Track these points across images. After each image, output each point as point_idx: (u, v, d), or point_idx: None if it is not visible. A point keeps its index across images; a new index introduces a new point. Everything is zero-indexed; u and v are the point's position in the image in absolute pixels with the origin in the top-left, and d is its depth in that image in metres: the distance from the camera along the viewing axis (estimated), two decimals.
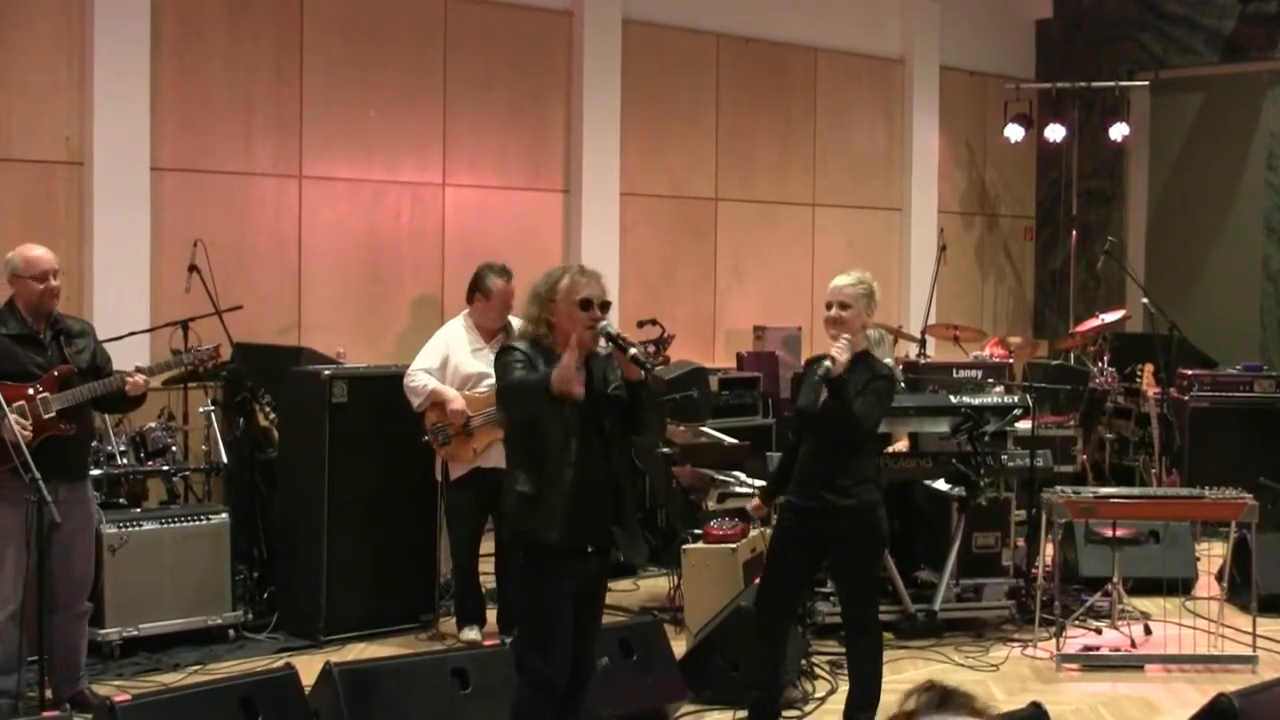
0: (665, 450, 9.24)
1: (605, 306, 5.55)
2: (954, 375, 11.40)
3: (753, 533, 8.28)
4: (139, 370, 7.11)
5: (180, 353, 7.97)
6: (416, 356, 8.36)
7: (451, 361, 8.19)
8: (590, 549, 5.63)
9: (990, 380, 10.79)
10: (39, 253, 6.89)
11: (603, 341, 5.55)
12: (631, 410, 5.65)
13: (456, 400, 8.04)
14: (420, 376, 8.19)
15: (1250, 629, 8.21)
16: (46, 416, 6.69)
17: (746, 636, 7.18)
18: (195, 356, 7.73)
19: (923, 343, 12.97)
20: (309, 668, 6.57)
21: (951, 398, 8.86)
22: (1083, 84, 14.66)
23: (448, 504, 8.41)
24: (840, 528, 6.45)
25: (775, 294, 13.56)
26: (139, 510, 8.30)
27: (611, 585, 9.79)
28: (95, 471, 8.19)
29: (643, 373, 5.50)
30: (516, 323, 7.70)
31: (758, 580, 7.87)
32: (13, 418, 6.49)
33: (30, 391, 6.70)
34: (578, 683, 5.73)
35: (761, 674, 6.73)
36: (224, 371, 9.14)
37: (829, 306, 6.51)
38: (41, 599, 6.52)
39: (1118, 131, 14.56)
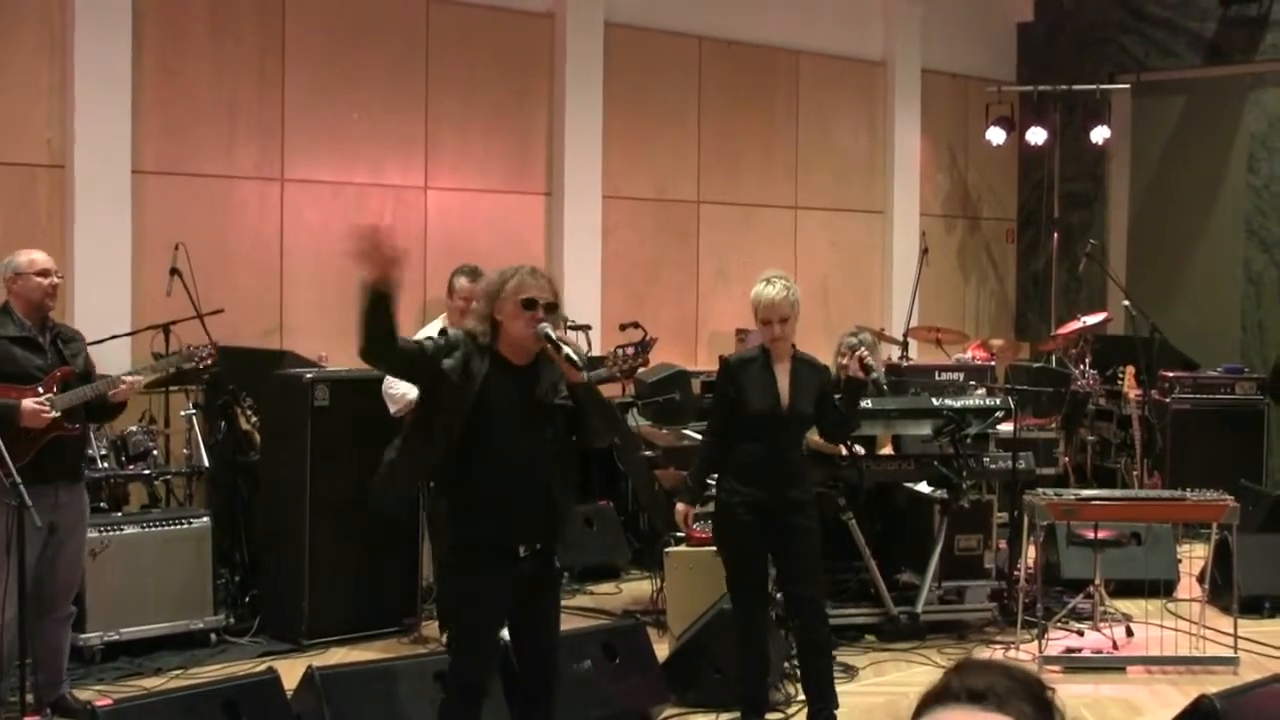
0: (648, 453, 9.24)
1: (551, 308, 5.50)
2: (936, 378, 11.41)
3: None
4: (130, 374, 7.17)
5: (174, 354, 7.96)
6: None
7: None
8: (522, 551, 5.51)
9: (972, 383, 10.79)
10: (39, 253, 7.10)
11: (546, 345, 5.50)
12: (577, 417, 5.61)
13: None
14: (399, 385, 8.17)
15: (1232, 630, 8.24)
16: (55, 415, 6.74)
17: (729, 639, 7.19)
18: (189, 355, 7.72)
19: (905, 345, 12.99)
20: (291, 671, 6.57)
21: (934, 400, 8.87)
22: (1064, 86, 14.67)
23: (430, 509, 8.41)
24: (800, 520, 6.68)
25: None
26: (120, 514, 8.29)
27: (594, 588, 9.90)
28: None
29: (582, 375, 5.49)
30: None
31: None
32: (28, 400, 6.59)
33: (36, 392, 6.75)
34: (541, 686, 5.68)
35: (754, 669, 6.83)
36: (206, 374, 9.13)
37: (767, 324, 6.62)
38: (23, 603, 6.50)
39: (1099, 134, 14.57)
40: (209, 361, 7.80)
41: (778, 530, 6.64)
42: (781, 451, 6.69)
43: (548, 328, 5.45)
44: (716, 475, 6.90)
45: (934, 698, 2.20)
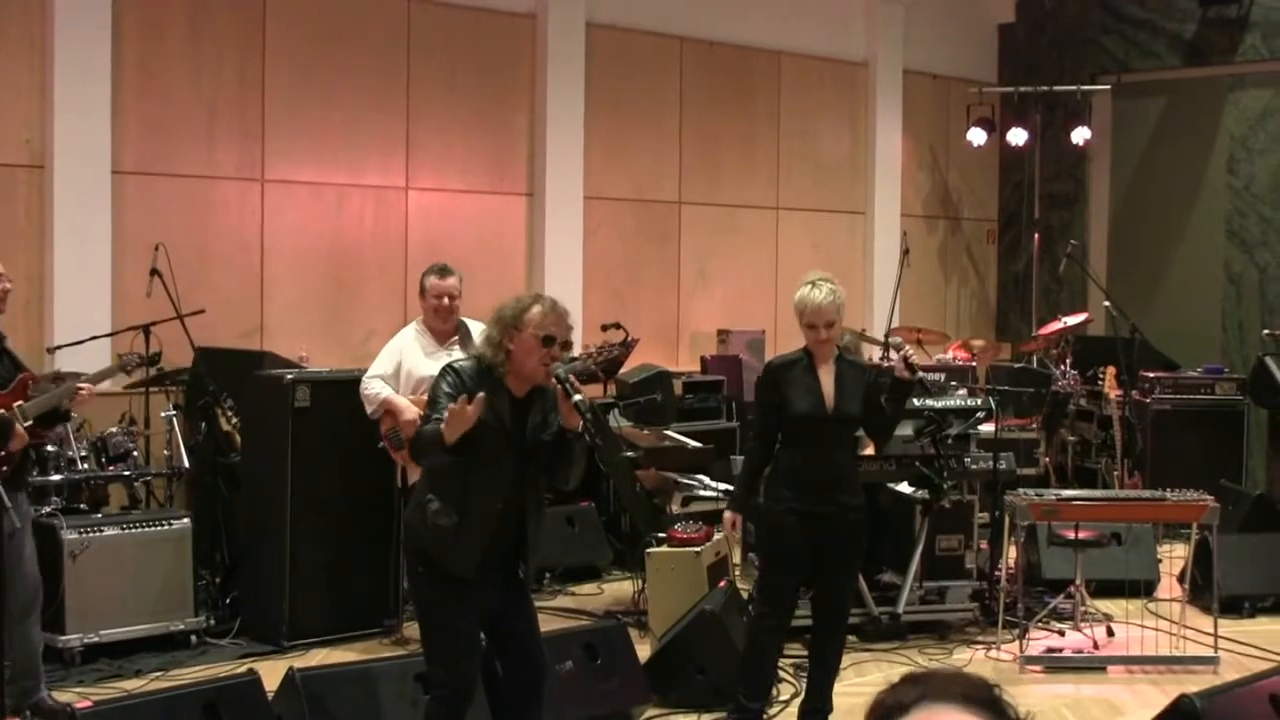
0: (629, 454, 9.23)
1: (565, 346, 5.44)
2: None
3: (716, 536, 8.29)
4: (85, 380, 7.12)
5: (121, 355, 8.00)
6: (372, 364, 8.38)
7: (404, 367, 8.18)
8: (501, 567, 5.51)
9: (953, 383, 10.80)
10: None
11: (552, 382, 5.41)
12: (556, 457, 5.52)
13: (408, 411, 7.96)
14: (374, 384, 8.19)
15: (1212, 630, 8.26)
16: (26, 425, 6.69)
17: (711, 639, 7.20)
18: (123, 364, 7.76)
19: (886, 346, 12.99)
20: (272, 673, 6.55)
21: (915, 400, 8.87)
22: (1045, 88, 14.72)
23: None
24: (846, 527, 6.59)
25: (739, 297, 13.57)
26: (100, 515, 8.25)
27: (575, 589, 9.88)
28: (56, 477, 8.18)
29: (581, 422, 5.36)
30: (474, 326, 7.68)
31: (723, 583, 7.90)
32: (20, 425, 6.56)
33: (8, 398, 6.71)
34: (532, 685, 5.66)
35: (765, 683, 6.81)
36: (185, 375, 9.13)
37: (813, 328, 6.54)
38: (3, 607, 6.48)
39: (1080, 135, 14.62)
40: (151, 367, 7.84)
41: (823, 535, 6.53)
42: (829, 455, 6.58)
43: (560, 368, 5.37)
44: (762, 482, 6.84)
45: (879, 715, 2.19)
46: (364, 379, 8.27)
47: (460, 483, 5.40)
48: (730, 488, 8.59)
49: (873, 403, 6.68)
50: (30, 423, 6.70)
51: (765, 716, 7.08)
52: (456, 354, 7.58)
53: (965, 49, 15.68)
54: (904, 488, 8.90)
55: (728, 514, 6.97)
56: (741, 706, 6.74)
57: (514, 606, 5.64)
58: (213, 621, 8.50)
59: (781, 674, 7.60)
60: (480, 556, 5.40)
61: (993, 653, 8.37)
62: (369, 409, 8.21)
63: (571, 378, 5.37)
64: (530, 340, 5.38)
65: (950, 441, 8.64)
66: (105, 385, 8.44)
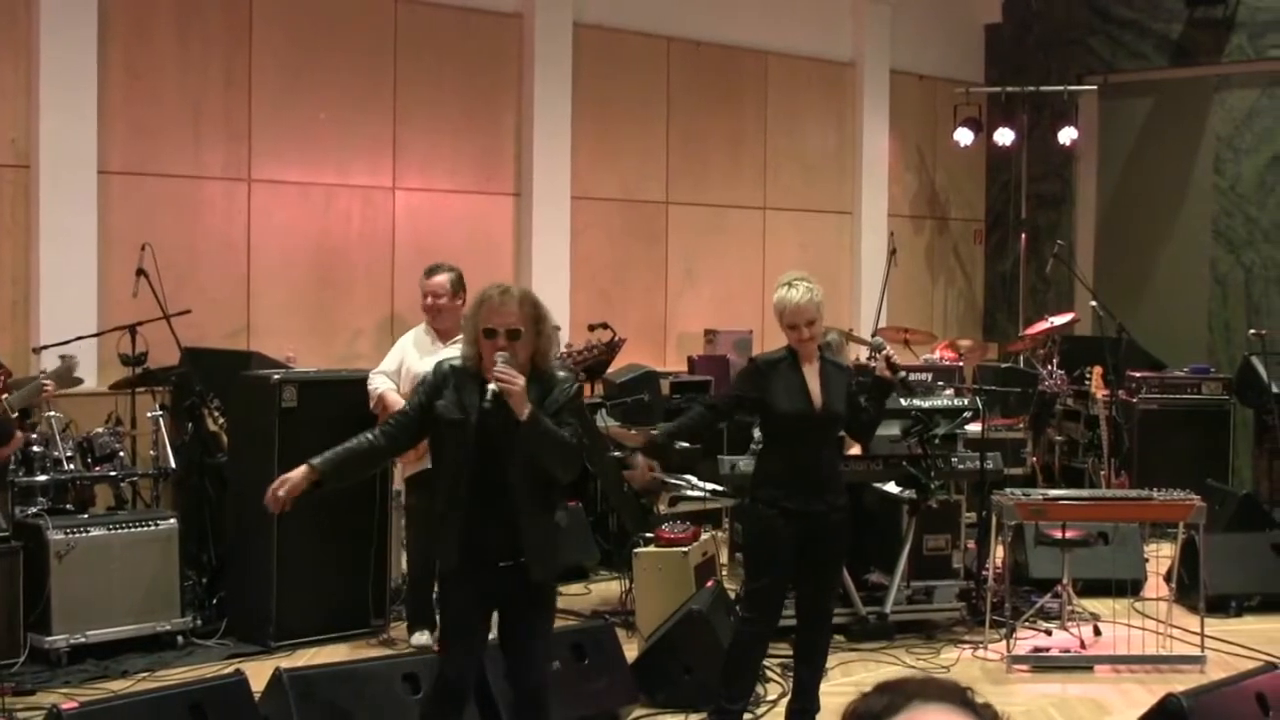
0: (617, 454, 9.23)
1: (512, 334, 5.33)
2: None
3: (704, 536, 8.28)
4: (47, 376, 7.13)
5: (63, 357, 8.05)
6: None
7: (405, 364, 8.30)
8: (497, 563, 5.43)
9: (940, 383, 10.82)
10: None
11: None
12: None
13: (397, 405, 8.02)
14: (375, 380, 8.36)
15: (1198, 629, 8.28)
16: (14, 417, 6.67)
17: (699, 639, 7.19)
18: (73, 362, 7.82)
19: (871, 346, 12.99)
20: (259, 673, 6.54)
21: (902, 400, 8.88)
22: (1032, 88, 14.74)
23: (407, 505, 8.47)
24: (833, 526, 6.58)
25: (726, 297, 13.57)
26: (86, 516, 8.22)
27: (563, 589, 9.85)
28: (42, 477, 8.16)
29: (523, 411, 5.25)
30: None
31: (710, 583, 7.89)
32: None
33: None
34: (530, 708, 5.62)
35: (748, 686, 6.79)
36: (172, 375, 9.12)
37: (794, 328, 6.52)
38: None
39: (1066, 135, 14.63)
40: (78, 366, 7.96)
41: (810, 535, 6.51)
42: (818, 453, 6.57)
43: (501, 357, 5.28)
44: (735, 481, 6.82)
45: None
46: (370, 374, 8.40)
47: (441, 477, 5.50)
48: (718, 487, 8.62)
49: (854, 402, 6.70)
50: (16, 414, 6.70)
51: (752, 717, 7.09)
52: (453, 351, 7.60)
53: (952, 49, 15.69)
54: (891, 487, 8.90)
55: (642, 458, 6.97)
56: (723, 709, 6.72)
57: (522, 607, 5.56)
58: (199, 622, 8.48)
59: (769, 674, 7.61)
60: (460, 551, 5.39)
61: (980, 652, 8.37)
62: (370, 403, 8.32)
63: (506, 371, 5.25)
64: (477, 335, 5.39)
65: (937, 441, 8.64)
66: (89, 384, 8.43)
